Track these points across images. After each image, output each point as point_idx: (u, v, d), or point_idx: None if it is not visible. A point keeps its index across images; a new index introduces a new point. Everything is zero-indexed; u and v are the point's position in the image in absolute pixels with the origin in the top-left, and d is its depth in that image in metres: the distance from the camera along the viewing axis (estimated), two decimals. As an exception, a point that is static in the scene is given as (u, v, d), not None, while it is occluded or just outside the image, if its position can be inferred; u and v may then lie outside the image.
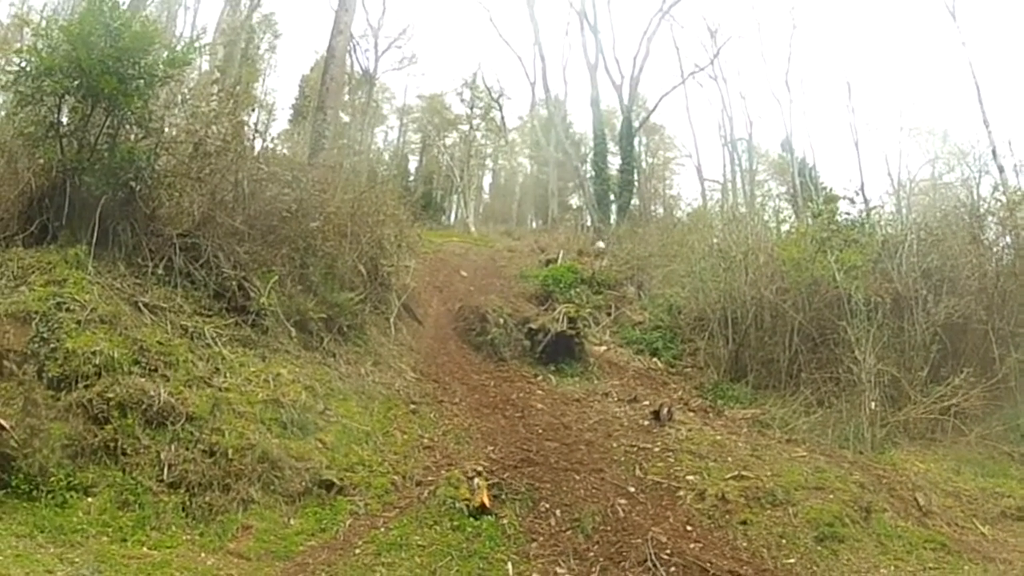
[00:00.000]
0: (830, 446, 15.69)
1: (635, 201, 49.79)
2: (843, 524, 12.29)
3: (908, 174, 54.72)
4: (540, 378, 19.28)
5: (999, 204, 21.12)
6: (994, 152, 30.49)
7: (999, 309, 17.98)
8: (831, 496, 13.06)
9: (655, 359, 21.63)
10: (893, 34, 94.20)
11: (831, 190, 41.58)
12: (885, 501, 13.21)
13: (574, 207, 61.08)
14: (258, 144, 22.29)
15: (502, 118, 69.60)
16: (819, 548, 11.81)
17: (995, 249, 20.15)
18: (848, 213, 23.30)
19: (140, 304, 14.26)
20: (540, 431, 15.71)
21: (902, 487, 13.92)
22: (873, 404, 16.29)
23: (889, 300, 18.38)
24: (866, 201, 25.11)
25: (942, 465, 15.09)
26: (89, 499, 10.94)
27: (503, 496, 12.65)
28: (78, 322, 12.90)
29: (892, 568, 11.40)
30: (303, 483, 12.30)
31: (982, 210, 21.45)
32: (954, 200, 25.31)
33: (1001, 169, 28.27)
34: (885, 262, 19.36)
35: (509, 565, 10.96)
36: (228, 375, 13.79)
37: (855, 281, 18.50)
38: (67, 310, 13.02)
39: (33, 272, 13.87)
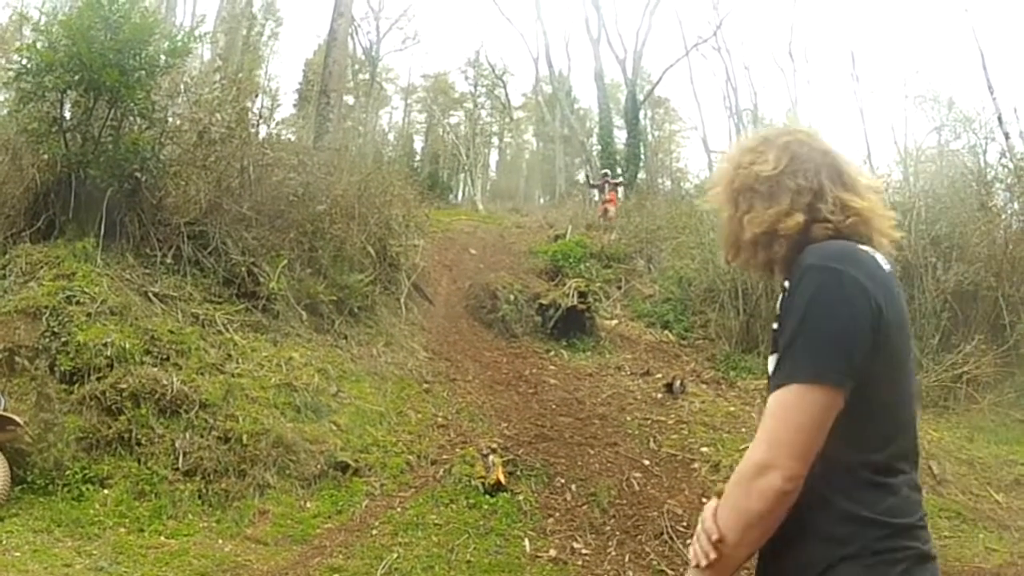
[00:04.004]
0: (843, 415, 15.68)
1: (642, 174, 49.61)
2: (858, 493, 12.30)
3: (914, 142, 54.36)
4: (552, 353, 19.24)
5: (1006, 171, 21.09)
6: (1000, 119, 30.27)
7: (1008, 276, 17.93)
8: (845, 465, 13.07)
9: (666, 332, 21.56)
10: (896, 1, 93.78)
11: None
12: (899, 469, 13.20)
13: (581, 182, 61.08)
14: (263, 130, 22.31)
15: (506, 95, 69.52)
16: (834, 518, 11.82)
17: (1003, 216, 20.11)
18: (856, 181, 23.19)
19: (150, 294, 14.28)
20: (554, 407, 15.70)
21: (916, 455, 13.91)
22: (885, 372, 16.26)
23: (899, 268, 18.26)
24: (873, 169, 24.99)
25: (955, 433, 15.06)
26: (105, 491, 10.97)
27: (518, 472, 12.65)
28: (88, 315, 12.92)
29: (908, 537, 11.40)
30: (318, 466, 12.32)
31: (989, 177, 21.45)
32: (961, 167, 25.22)
33: (1007, 136, 28.10)
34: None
35: (526, 541, 10.97)
36: (240, 361, 13.82)
37: (864, 249, 18.42)
38: (77, 303, 13.05)
39: (42, 267, 13.89)
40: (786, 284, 2.84)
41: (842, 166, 3.05)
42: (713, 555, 2.66)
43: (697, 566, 2.73)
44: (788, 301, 2.79)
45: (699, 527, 2.77)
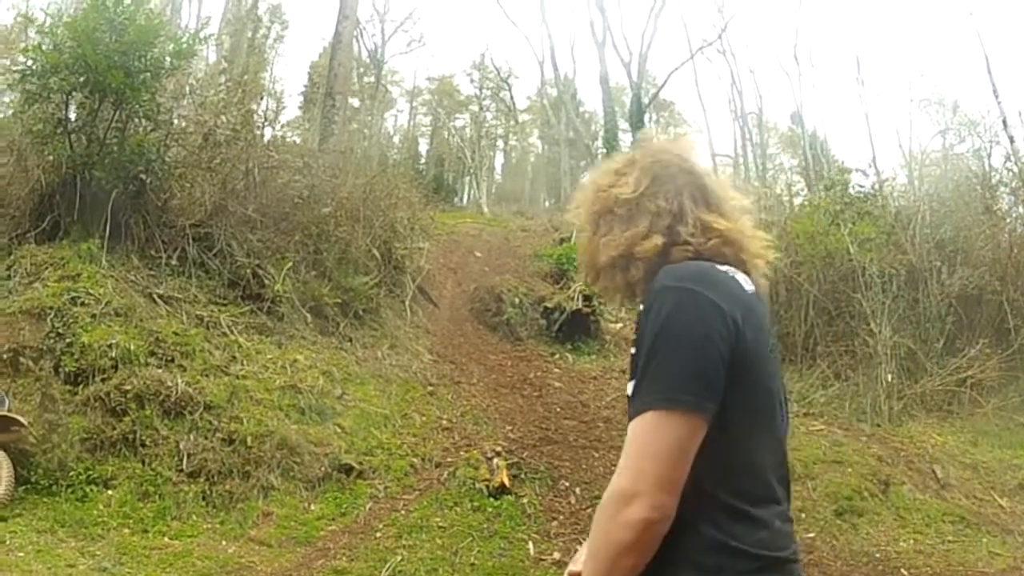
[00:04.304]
0: (847, 419, 15.69)
1: (647, 177, 49.52)
2: (862, 497, 12.35)
3: (919, 146, 54.43)
4: (557, 357, 19.27)
5: (1011, 174, 21.08)
6: (1005, 122, 30.19)
7: (1013, 280, 17.92)
8: (849, 469, 13.12)
9: (671, 335, 21.57)
10: (901, 5, 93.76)
11: (843, 163, 41.46)
12: (903, 474, 13.24)
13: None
14: (268, 132, 22.24)
15: (512, 98, 69.47)
16: (838, 521, 11.88)
17: (1008, 220, 20.10)
18: (861, 186, 23.18)
19: (155, 295, 14.30)
20: (558, 410, 15.73)
21: (920, 460, 13.93)
22: (890, 376, 16.28)
23: (903, 272, 18.33)
24: (878, 173, 25.02)
25: (959, 437, 15.07)
26: (109, 492, 11.00)
27: (522, 475, 12.69)
28: (93, 316, 12.94)
29: (911, 541, 11.44)
30: (322, 468, 12.35)
31: (994, 180, 21.42)
32: (966, 171, 25.25)
33: (1012, 139, 28.01)
34: (898, 234, 19.29)
35: (530, 544, 11.02)
36: (245, 363, 13.84)
37: (869, 253, 18.43)
38: (82, 304, 13.06)
39: (47, 268, 13.91)
40: (641, 307, 2.76)
41: (708, 187, 3.02)
42: None
43: None
44: (642, 324, 2.70)
45: None
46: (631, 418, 2.58)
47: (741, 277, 2.84)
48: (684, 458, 2.50)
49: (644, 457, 2.51)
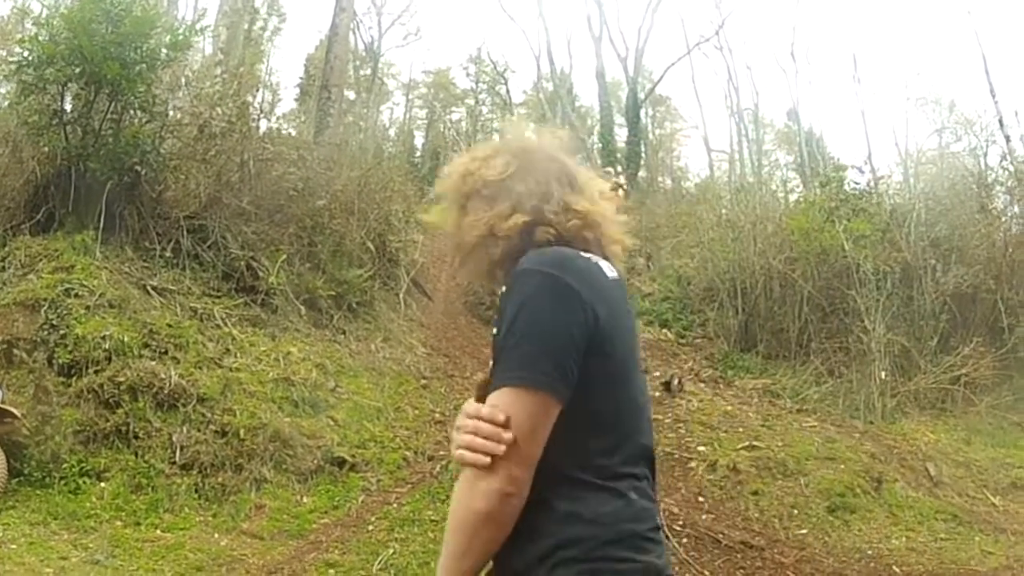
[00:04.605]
0: (840, 416, 15.71)
1: (643, 173, 49.60)
2: (854, 494, 12.35)
3: (915, 144, 54.39)
4: (550, 351, 19.26)
5: (1007, 174, 21.11)
6: (1001, 122, 30.19)
7: (1008, 279, 17.96)
8: (842, 466, 13.11)
9: (665, 330, 21.58)
10: (898, 3, 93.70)
11: (838, 160, 41.46)
12: (896, 471, 13.25)
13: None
14: (263, 124, 22.20)
15: (508, 92, 69.53)
16: (831, 518, 11.87)
17: (1003, 219, 20.14)
18: (856, 183, 23.21)
19: (149, 287, 14.29)
20: (550, 403, 15.72)
21: (913, 457, 13.95)
22: (883, 374, 16.30)
23: (898, 269, 18.36)
24: (874, 171, 25.05)
25: (952, 435, 15.10)
26: (102, 484, 11.01)
27: (515, 469, 12.68)
28: (87, 308, 12.93)
29: (904, 539, 11.45)
30: (315, 461, 12.35)
31: (990, 180, 21.46)
32: (962, 170, 25.23)
33: (1008, 139, 28.00)
34: (894, 231, 19.31)
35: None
36: (238, 355, 13.84)
37: (864, 251, 18.45)
38: (76, 296, 13.06)
39: (41, 260, 13.91)
40: (503, 289, 2.76)
41: (573, 171, 3.04)
42: (506, 439, 2.53)
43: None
44: (503, 305, 2.70)
45: (468, 422, 2.64)
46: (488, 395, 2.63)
47: (604, 264, 2.88)
48: (537, 435, 2.54)
49: None
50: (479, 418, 2.59)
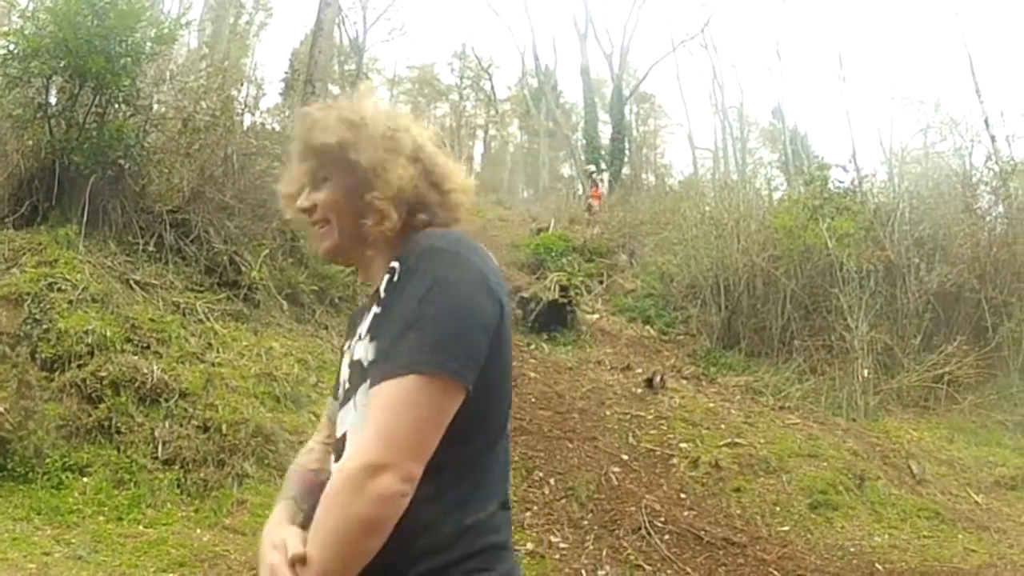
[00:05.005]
0: (823, 413, 15.77)
1: (626, 170, 49.70)
2: (837, 492, 12.39)
3: (900, 143, 54.61)
4: (532, 347, 19.28)
5: (992, 174, 21.18)
6: (986, 122, 30.38)
7: (992, 278, 18.08)
8: (824, 464, 13.17)
9: (648, 327, 21.62)
10: (885, 4, 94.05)
11: (823, 159, 41.58)
12: (879, 469, 13.30)
13: (565, 176, 61.04)
14: (247, 119, 22.17)
15: (492, 88, 69.66)
16: (813, 515, 11.91)
17: (988, 219, 20.26)
18: (840, 181, 23.28)
19: (131, 282, 14.25)
20: (533, 400, 15.73)
21: (895, 455, 14.01)
22: (866, 372, 16.37)
23: (881, 268, 18.46)
24: (858, 169, 25.14)
25: (935, 433, 15.18)
26: (84, 479, 10.94)
27: (496, 465, 12.70)
28: (70, 302, 12.88)
29: (886, 536, 11.48)
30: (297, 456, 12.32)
31: (975, 179, 21.56)
32: (946, 169, 25.41)
33: (993, 139, 28.17)
34: (877, 230, 19.40)
35: (504, 535, 11.02)
36: (220, 350, 13.78)
37: (847, 249, 18.52)
38: (59, 290, 13.00)
39: (24, 254, 13.85)
40: (395, 264, 2.52)
41: (438, 152, 2.85)
42: None
43: None
44: (403, 282, 2.46)
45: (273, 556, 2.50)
46: (376, 381, 2.38)
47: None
48: (439, 428, 2.35)
49: (400, 425, 2.30)
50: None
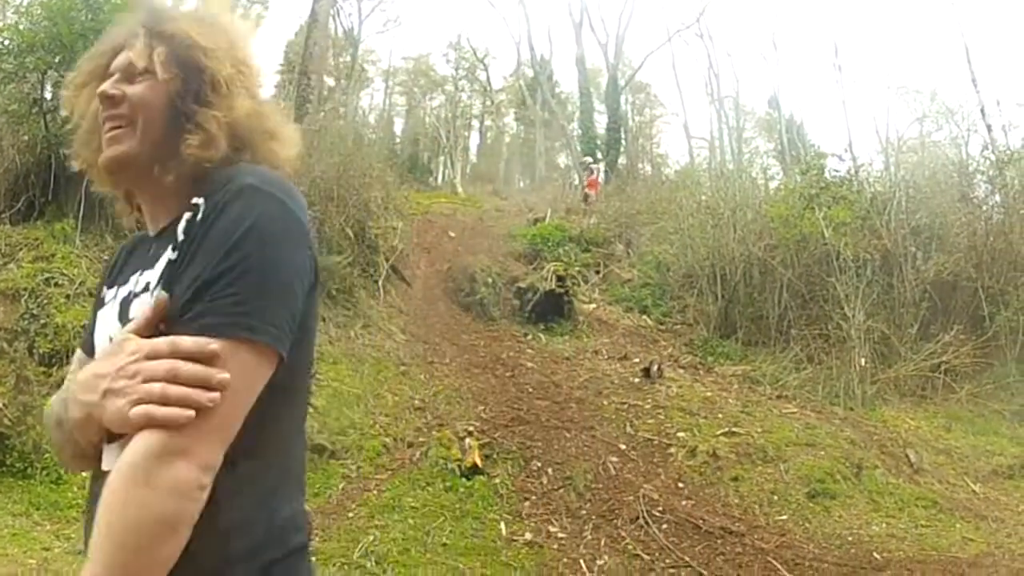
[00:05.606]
0: (820, 402, 15.76)
1: (622, 159, 49.65)
2: (834, 480, 12.39)
3: (896, 132, 54.55)
4: (530, 337, 19.27)
5: (988, 163, 21.17)
6: (982, 111, 30.36)
7: (988, 267, 18.04)
8: (822, 452, 13.17)
9: (644, 316, 21.59)
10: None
11: (819, 148, 41.62)
12: (876, 458, 13.29)
13: (561, 166, 61.01)
14: (243, 110, 22.16)
15: (488, 78, 69.57)
16: (811, 504, 11.91)
17: (984, 208, 20.23)
18: (836, 170, 23.25)
19: (128, 275, 14.25)
20: (530, 390, 15.75)
21: (893, 444, 14.00)
22: (863, 361, 16.35)
23: (878, 257, 18.43)
24: (854, 158, 25.11)
25: (933, 422, 15.17)
26: (83, 474, 10.92)
27: (495, 456, 12.75)
28: (67, 296, 12.91)
29: (884, 525, 11.47)
30: (295, 449, 12.32)
31: (971, 168, 21.53)
32: (943, 159, 25.40)
33: (989, 128, 28.14)
34: (874, 219, 19.37)
35: (502, 524, 11.05)
36: (218, 343, 13.79)
37: (844, 238, 18.50)
38: (56, 285, 13.03)
39: (21, 249, 13.88)
40: (199, 201, 2.04)
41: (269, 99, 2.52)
42: (220, 381, 1.84)
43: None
44: (209, 225, 2.00)
45: (153, 364, 1.87)
46: None
47: None
48: (246, 405, 1.93)
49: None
50: (176, 355, 1.88)
